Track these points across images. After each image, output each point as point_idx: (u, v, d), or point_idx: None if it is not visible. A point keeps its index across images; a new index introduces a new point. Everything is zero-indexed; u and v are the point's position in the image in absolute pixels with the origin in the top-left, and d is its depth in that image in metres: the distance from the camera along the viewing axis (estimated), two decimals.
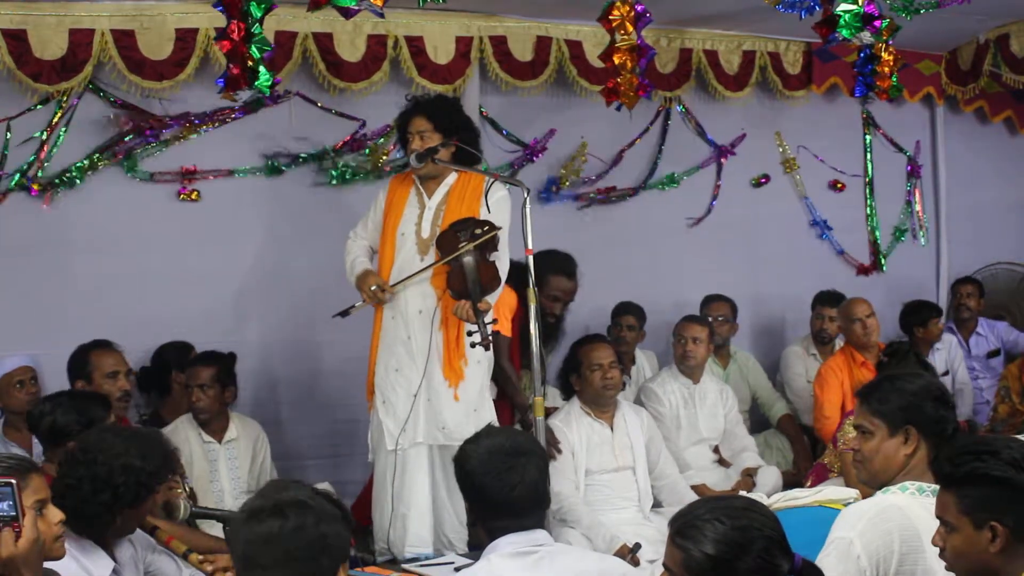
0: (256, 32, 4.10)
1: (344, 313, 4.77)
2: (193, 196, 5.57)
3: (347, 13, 4.12)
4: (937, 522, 2.65)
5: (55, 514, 2.71)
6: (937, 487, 2.71)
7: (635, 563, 4.65)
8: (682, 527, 2.36)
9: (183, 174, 5.53)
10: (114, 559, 3.18)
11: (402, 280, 4.70)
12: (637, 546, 4.77)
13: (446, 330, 4.74)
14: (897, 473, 2.92)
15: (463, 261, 4.57)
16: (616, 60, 5.01)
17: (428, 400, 4.73)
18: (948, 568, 2.55)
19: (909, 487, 2.88)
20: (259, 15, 4.10)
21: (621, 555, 4.69)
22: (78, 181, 5.31)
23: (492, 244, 4.66)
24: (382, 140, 5.91)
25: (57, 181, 5.27)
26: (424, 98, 4.96)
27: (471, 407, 4.76)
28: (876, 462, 2.95)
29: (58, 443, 3.71)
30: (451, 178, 4.84)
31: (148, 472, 3.14)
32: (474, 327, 4.52)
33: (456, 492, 4.76)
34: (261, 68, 4.12)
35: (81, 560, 3.05)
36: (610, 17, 4.97)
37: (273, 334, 5.75)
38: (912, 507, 2.81)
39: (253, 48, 4.09)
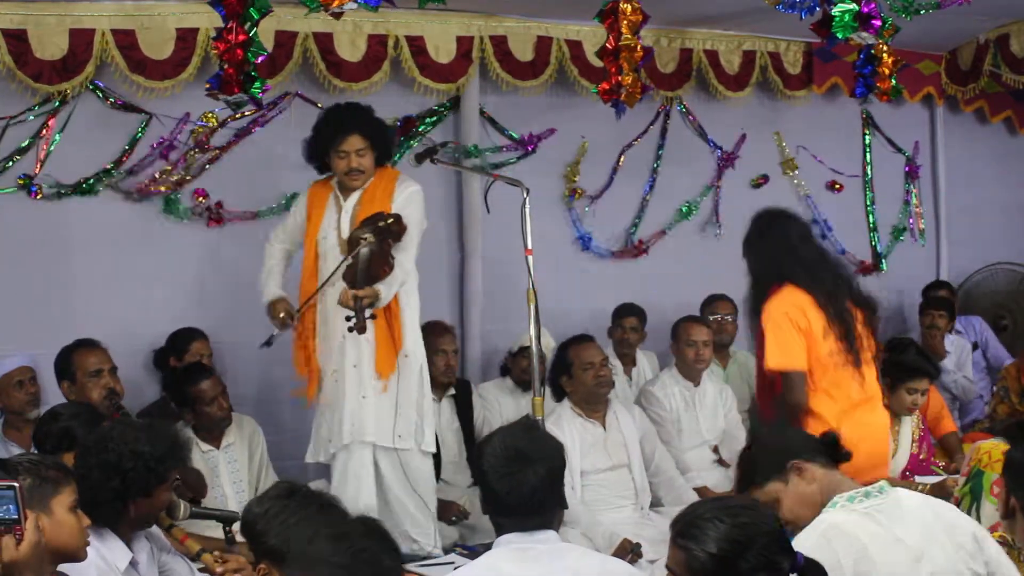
0: (253, 37, 4.10)
1: (268, 343, 4.76)
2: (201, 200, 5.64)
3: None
4: (881, 526, 2.72)
5: (84, 518, 2.82)
6: (863, 490, 2.80)
7: (633, 561, 4.68)
8: (684, 528, 2.37)
9: (209, 209, 5.63)
10: (131, 551, 3.22)
11: (313, 295, 4.72)
12: (637, 546, 4.77)
13: (386, 322, 4.76)
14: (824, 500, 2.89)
15: (359, 252, 4.56)
16: (623, 60, 5.02)
17: (364, 397, 4.77)
18: None
19: (838, 500, 2.84)
20: (256, 17, 4.11)
21: (623, 551, 4.72)
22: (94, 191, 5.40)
23: (395, 235, 4.64)
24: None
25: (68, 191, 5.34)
26: (352, 114, 4.85)
27: (395, 407, 4.77)
28: (797, 511, 2.92)
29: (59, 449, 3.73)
30: (367, 181, 4.87)
31: (156, 458, 3.21)
32: (351, 313, 4.50)
33: (413, 491, 4.85)
34: (258, 76, 4.14)
35: (99, 548, 3.09)
36: (617, 13, 4.97)
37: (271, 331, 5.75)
38: (853, 519, 2.79)
39: (251, 53, 4.08)
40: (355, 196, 4.83)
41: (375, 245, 4.55)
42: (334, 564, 2.31)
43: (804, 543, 2.71)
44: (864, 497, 2.83)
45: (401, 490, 4.86)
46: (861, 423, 4.17)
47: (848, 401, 4.12)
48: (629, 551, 4.73)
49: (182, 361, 5.23)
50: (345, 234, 4.75)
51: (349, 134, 4.76)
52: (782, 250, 4.30)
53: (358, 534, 2.37)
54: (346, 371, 4.77)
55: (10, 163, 5.22)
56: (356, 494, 4.73)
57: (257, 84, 4.17)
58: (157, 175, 5.48)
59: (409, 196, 4.81)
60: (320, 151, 4.86)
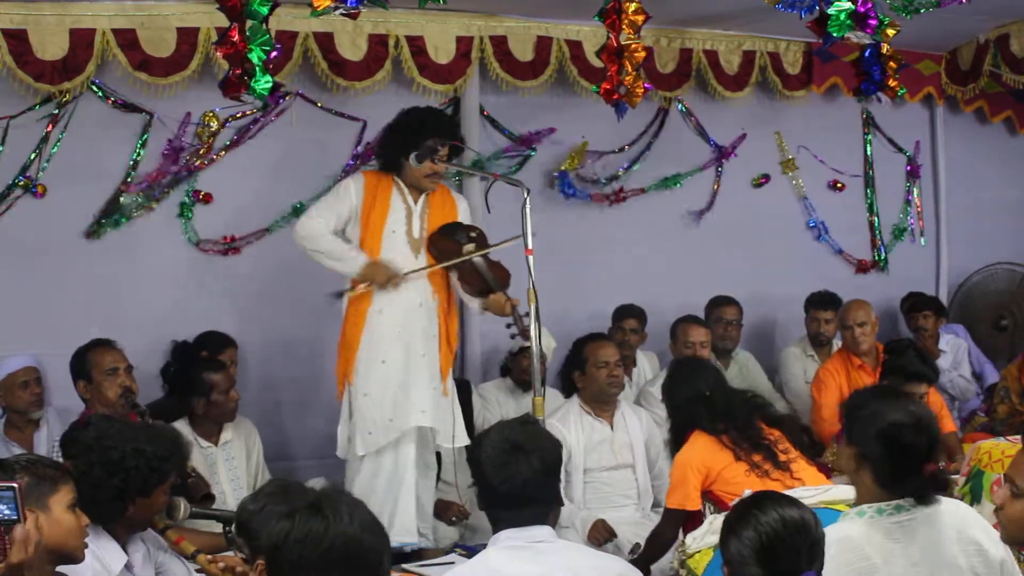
0: (258, 34, 4.07)
1: (340, 295, 4.88)
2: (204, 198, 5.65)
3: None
4: (898, 543, 2.69)
5: (83, 517, 2.83)
6: (894, 504, 2.76)
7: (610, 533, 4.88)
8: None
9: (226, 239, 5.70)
10: (126, 553, 3.22)
11: (409, 272, 4.84)
12: (637, 546, 4.79)
13: (445, 324, 4.95)
14: None
15: (474, 262, 4.84)
16: (626, 59, 5.02)
17: (412, 388, 4.85)
18: (1000, 526, 2.61)
19: (867, 511, 2.82)
20: (264, 13, 4.08)
21: (596, 531, 4.87)
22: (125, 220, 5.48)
23: (488, 246, 4.90)
24: None
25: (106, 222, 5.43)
26: (457, 124, 5.14)
27: (451, 405, 4.95)
28: None
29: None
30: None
31: (159, 457, 3.23)
32: (510, 319, 4.80)
33: (428, 484, 5.00)
34: (258, 71, 4.09)
35: (95, 551, 3.09)
36: (620, 12, 4.97)
37: (273, 334, 5.76)
38: (869, 534, 2.77)
39: (254, 52, 4.07)
40: (422, 199, 4.97)
41: (482, 255, 4.84)
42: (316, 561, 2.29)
43: None
44: (895, 511, 2.79)
45: (424, 487, 4.97)
46: None
47: None
48: (603, 532, 4.86)
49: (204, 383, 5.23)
50: (416, 234, 4.91)
51: (451, 140, 4.92)
52: (693, 402, 4.52)
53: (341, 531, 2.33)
54: (399, 365, 4.84)
55: (12, 164, 5.23)
56: (403, 480, 4.84)
57: (260, 81, 4.13)
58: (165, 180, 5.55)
59: (467, 210, 5.10)
60: (407, 148, 4.86)
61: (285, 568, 2.25)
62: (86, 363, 4.69)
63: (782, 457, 4.37)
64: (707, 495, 4.40)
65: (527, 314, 4.68)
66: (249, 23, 4.09)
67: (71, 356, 4.76)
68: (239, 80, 4.11)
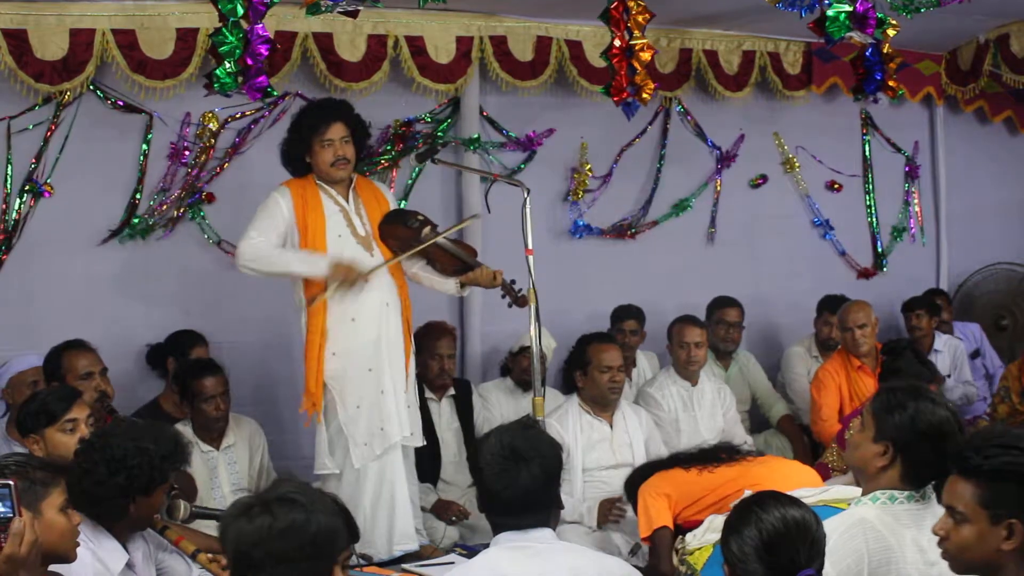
0: (229, 30, 4.01)
1: (312, 300, 4.72)
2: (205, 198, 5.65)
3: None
4: (908, 529, 2.70)
5: (75, 516, 2.83)
6: (906, 493, 2.77)
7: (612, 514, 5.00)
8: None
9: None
10: (127, 552, 3.22)
11: (376, 268, 4.73)
12: (637, 546, 4.79)
13: (407, 321, 4.89)
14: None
15: (439, 243, 4.77)
16: (638, 59, 5.01)
17: (406, 392, 4.83)
18: (946, 558, 2.50)
19: (880, 496, 2.86)
20: (239, 10, 4.03)
21: (603, 509, 4.99)
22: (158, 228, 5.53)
23: (436, 225, 4.90)
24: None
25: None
26: (333, 104, 4.89)
27: (414, 401, 4.94)
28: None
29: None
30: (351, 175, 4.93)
31: (161, 456, 3.22)
32: (501, 291, 4.78)
33: (413, 479, 4.98)
34: (222, 66, 4.03)
35: (96, 551, 3.10)
36: (626, 12, 4.96)
37: (272, 333, 5.75)
38: (882, 518, 2.81)
39: (224, 47, 4.00)
40: (351, 195, 4.86)
41: (442, 236, 4.79)
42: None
43: (835, 529, 2.75)
44: (906, 500, 2.83)
45: (412, 487, 4.93)
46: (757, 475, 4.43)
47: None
48: (611, 507, 4.95)
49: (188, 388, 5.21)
50: (361, 231, 4.80)
51: (332, 122, 4.77)
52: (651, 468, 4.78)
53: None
54: (385, 370, 4.77)
55: (14, 164, 5.23)
56: (397, 487, 4.78)
57: (223, 76, 4.04)
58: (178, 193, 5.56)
59: (392, 197, 5.05)
60: (302, 146, 4.81)
61: (260, 564, 2.22)
62: (60, 366, 4.64)
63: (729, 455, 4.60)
64: (678, 525, 4.47)
65: (514, 281, 4.70)
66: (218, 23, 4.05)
67: (44, 357, 4.72)
68: (208, 75, 4.07)
